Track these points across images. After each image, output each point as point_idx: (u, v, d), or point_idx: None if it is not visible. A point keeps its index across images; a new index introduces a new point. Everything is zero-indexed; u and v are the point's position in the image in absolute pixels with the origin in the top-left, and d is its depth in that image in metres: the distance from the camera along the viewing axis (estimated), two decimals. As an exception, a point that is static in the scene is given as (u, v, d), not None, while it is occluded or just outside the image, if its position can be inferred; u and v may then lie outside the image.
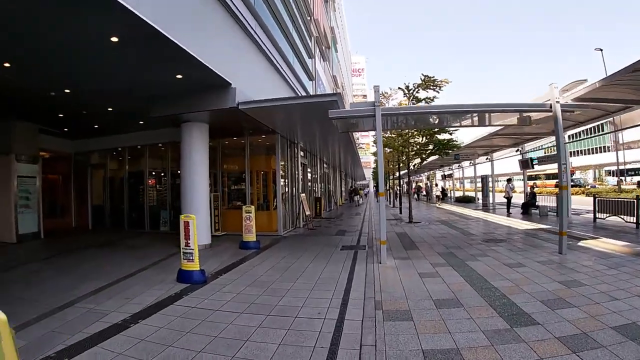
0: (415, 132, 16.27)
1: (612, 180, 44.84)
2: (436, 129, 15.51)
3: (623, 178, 43.78)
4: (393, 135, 16.81)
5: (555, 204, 17.62)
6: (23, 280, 7.35)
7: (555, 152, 20.22)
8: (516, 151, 22.56)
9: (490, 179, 26.20)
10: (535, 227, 13.61)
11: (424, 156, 16.36)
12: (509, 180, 21.69)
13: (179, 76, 8.53)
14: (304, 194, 15.54)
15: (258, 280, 6.91)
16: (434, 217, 19.02)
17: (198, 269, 6.95)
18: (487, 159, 27.04)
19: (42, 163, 17.74)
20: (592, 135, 44.38)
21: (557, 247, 8.91)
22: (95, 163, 17.19)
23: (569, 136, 30.04)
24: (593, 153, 70.94)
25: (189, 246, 6.98)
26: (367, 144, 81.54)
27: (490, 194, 25.86)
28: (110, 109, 11.35)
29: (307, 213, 15.13)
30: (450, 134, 15.80)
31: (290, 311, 5.15)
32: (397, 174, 26.56)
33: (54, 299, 5.95)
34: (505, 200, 20.48)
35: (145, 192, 15.53)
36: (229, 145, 14.77)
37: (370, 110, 8.17)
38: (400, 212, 22.48)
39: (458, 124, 10.66)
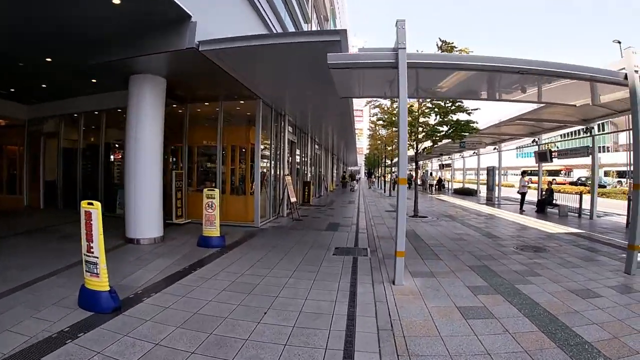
0: (427, 110, 13.59)
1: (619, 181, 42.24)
2: (453, 107, 12.88)
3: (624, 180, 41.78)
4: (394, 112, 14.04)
5: (576, 204, 15.44)
6: None
7: (574, 146, 18.22)
8: (532, 141, 20.14)
9: (497, 172, 23.74)
10: (567, 231, 11.17)
11: (435, 138, 13.62)
12: (523, 174, 19.26)
13: (116, 1, 5.68)
14: (289, 177, 12.83)
15: (200, 314, 4.24)
16: (438, 211, 16.49)
17: (106, 289, 4.26)
18: (494, 148, 24.58)
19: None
20: (582, 136, 41.37)
21: (613, 262, 7.17)
22: (49, 132, 14.05)
23: (562, 135, 27.90)
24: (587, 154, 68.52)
25: (92, 252, 4.25)
26: (360, 129, 79.12)
27: (496, 187, 23.44)
28: (48, 60, 8.42)
29: (293, 200, 12.45)
30: (469, 114, 13.13)
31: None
32: (397, 159, 23.88)
33: None
34: (519, 195, 18.15)
35: (100, 167, 12.66)
36: (200, 113, 11.97)
37: (390, 57, 5.49)
38: (399, 203, 19.75)
39: (510, 97, 8.02)
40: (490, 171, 24.11)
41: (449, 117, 13.26)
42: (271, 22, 11.83)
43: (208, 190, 7.96)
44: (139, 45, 7.04)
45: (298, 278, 5.65)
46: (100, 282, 4.24)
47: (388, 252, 7.52)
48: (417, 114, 13.75)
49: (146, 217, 8.27)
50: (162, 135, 8.63)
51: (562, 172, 59.08)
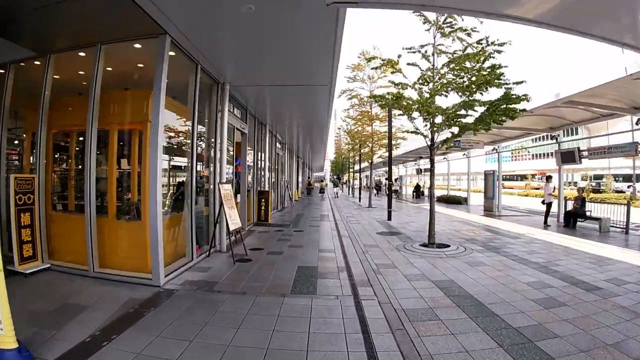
0: (453, 82, 8.70)
1: (615, 186, 39.25)
2: (491, 77, 8.22)
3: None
4: (407, 85, 9.03)
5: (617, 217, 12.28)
6: None
7: (620, 143, 14.14)
8: (551, 137, 15.94)
9: (497, 176, 19.58)
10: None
11: (461, 123, 8.74)
12: (548, 179, 14.97)
13: None
14: (228, 186, 7.65)
15: None
16: (448, 230, 11.81)
17: None
18: (494, 149, 20.46)
19: None
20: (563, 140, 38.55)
21: None
22: None
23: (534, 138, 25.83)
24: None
25: None
26: (325, 133, 75.85)
27: (496, 195, 19.26)
28: None
29: (233, 226, 7.38)
30: (508, 89, 8.43)
31: None
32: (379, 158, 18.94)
33: None
34: (544, 206, 14.12)
35: None
36: (74, 74, 6.95)
37: None
38: (389, 219, 14.82)
39: None
40: (489, 176, 19.93)
41: (475, 96, 8.57)
42: None
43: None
44: None
45: None
46: None
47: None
48: (438, 84, 8.88)
49: None
50: None
51: (535, 176, 56.27)
